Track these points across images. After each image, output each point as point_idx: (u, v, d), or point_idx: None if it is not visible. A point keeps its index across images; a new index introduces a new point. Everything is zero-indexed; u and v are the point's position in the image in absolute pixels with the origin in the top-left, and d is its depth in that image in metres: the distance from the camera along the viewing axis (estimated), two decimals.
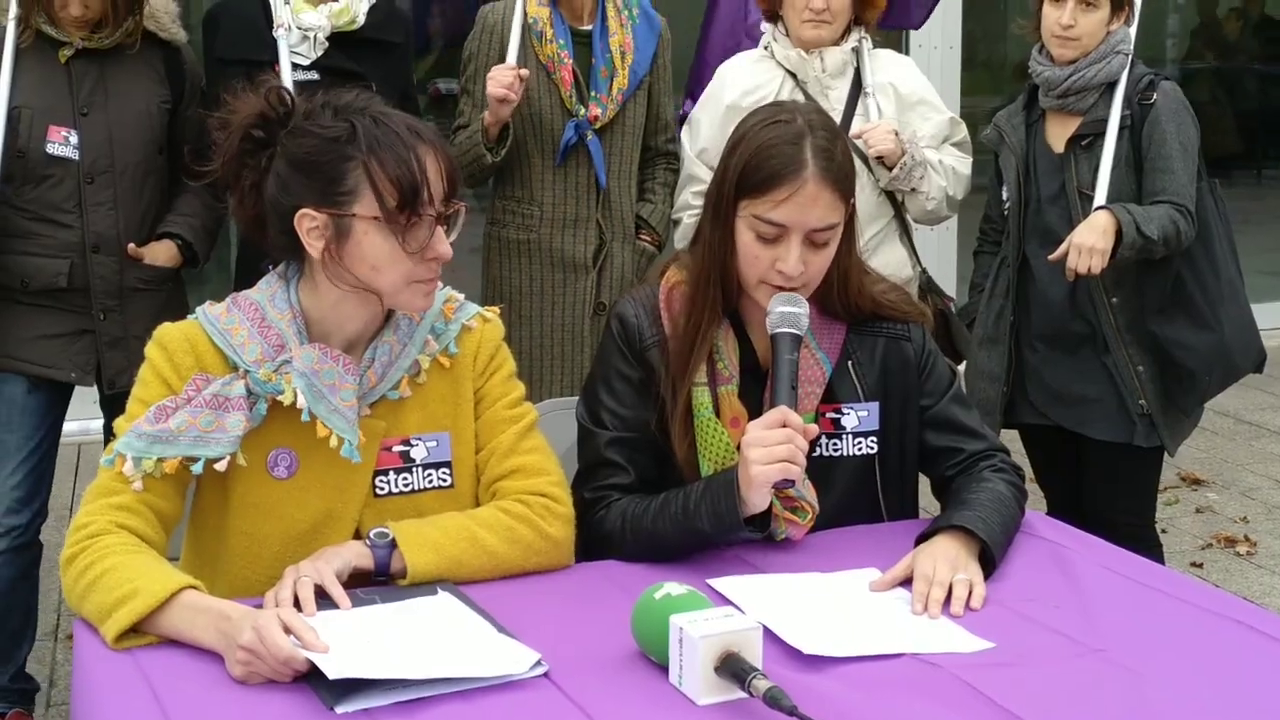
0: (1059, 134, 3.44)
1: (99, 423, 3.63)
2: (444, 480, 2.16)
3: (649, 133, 3.83)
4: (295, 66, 3.38)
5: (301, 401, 2.02)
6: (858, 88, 3.60)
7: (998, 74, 8.58)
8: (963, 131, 3.70)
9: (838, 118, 3.54)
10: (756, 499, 2.09)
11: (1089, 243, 3.19)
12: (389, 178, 1.97)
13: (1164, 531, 4.10)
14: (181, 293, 3.52)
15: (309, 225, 2.01)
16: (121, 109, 3.30)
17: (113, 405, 3.38)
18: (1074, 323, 3.42)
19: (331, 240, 2.01)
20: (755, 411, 2.20)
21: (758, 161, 2.17)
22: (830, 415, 2.31)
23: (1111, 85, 3.38)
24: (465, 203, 2.07)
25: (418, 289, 2.05)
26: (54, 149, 3.23)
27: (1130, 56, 3.41)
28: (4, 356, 3.25)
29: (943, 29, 6.75)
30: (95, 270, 3.29)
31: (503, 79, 3.48)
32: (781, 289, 2.18)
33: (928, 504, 2.45)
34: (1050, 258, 3.29)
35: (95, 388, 3.37)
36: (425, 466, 2.15)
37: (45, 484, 3.36)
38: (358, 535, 2.09)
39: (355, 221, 1.99)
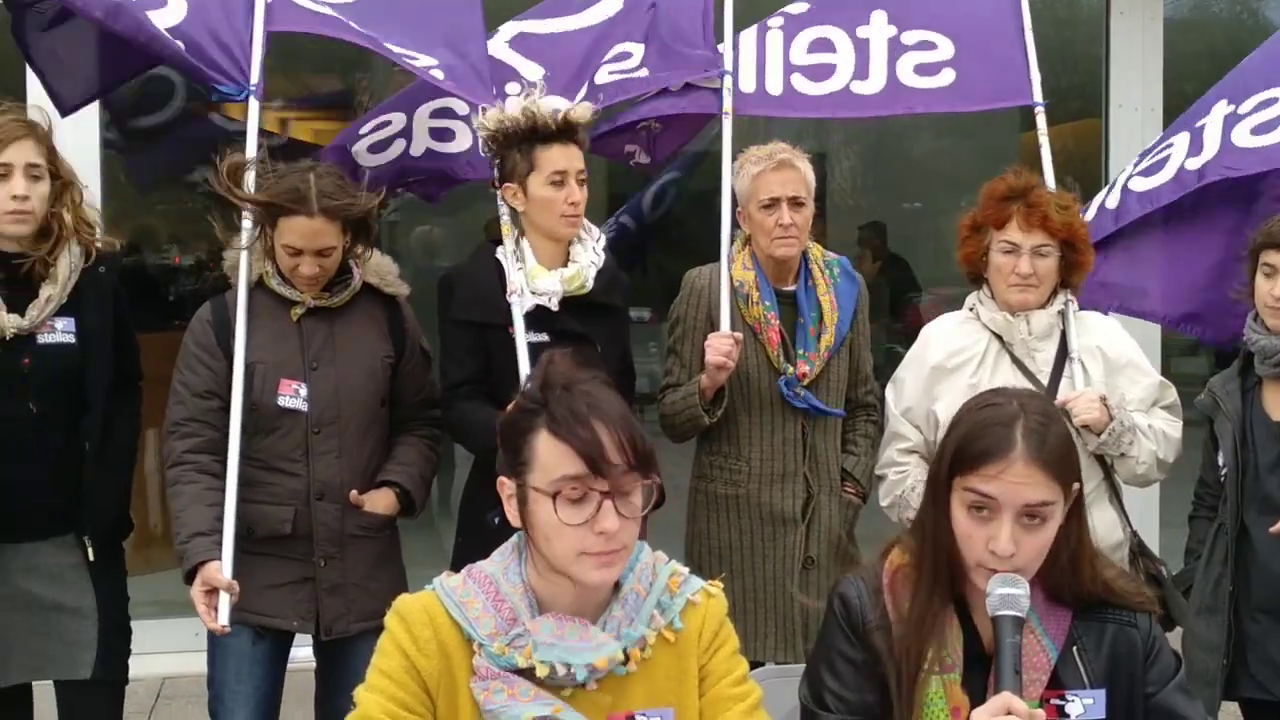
0: (1277, 401, 3.40)
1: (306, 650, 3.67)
2: None
3: (850, 385, 3.91)
4: (526, 328, 3.52)
5: (559, 666, 2.05)
6: (1064, 350, 3.60)
7: None
8: (1172, 395, 3.66)
9: (1044, 379, 3.56)
10: None
11: None
12: (556, 452, 2.03)
13: None
14: (397, 541, 3.64)
15: (507, 494, 2.11)
16: (349, 364, 3.49)
17: (327, 650, 3.49)
18: None
19: (521, 509, 2.09)
20: (977, 701, 2.17)
21: (970, 439, 2.22)
22: (1055, 702, 2.27)
23: None
24: (657, 479, 2.08)
25: (587, 561, 2.05)
26: (285, 401, 3.42)
27: None
28: (233, 609, 3.30)
29: None
30: (318, 517, 3.43)
31: (720, 346, 3.61)
32: (997, 572, 2.18)
33: None
34: (1271, 530, 3.23)
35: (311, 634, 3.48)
36: None
37: None
38: None
39: (529, 491, 2.06)
